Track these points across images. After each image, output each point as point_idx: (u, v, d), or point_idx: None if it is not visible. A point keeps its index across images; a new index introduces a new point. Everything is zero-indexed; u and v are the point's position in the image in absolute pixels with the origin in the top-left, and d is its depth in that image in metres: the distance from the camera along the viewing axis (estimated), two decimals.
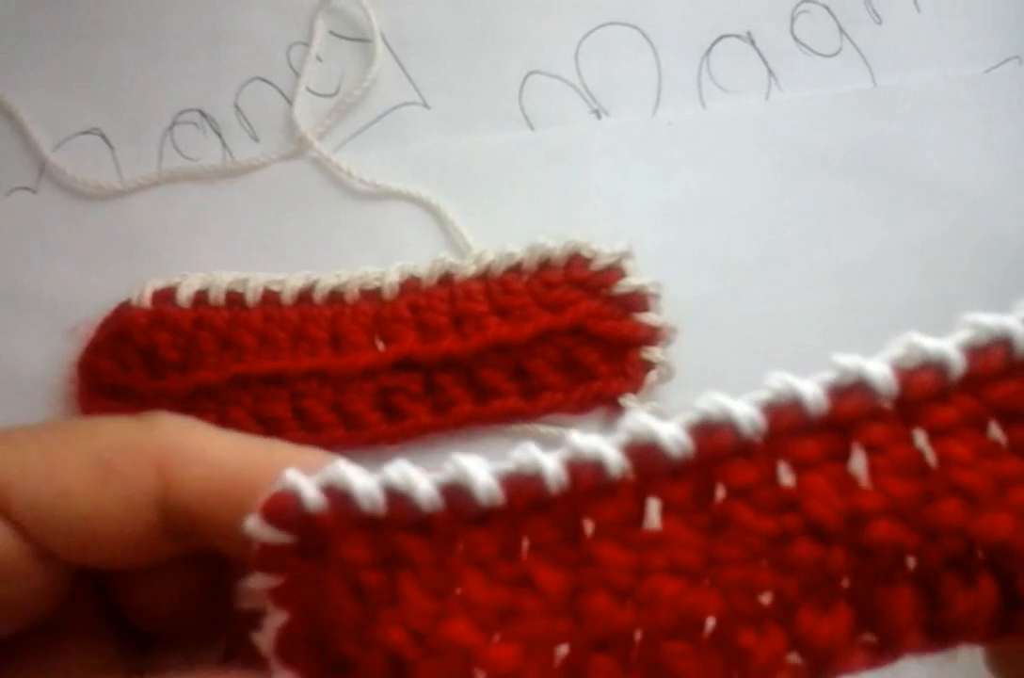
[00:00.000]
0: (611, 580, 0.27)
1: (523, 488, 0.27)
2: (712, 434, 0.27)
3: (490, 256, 0.65)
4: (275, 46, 0.70)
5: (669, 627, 0.26)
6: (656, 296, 0.65)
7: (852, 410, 0.27)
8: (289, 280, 0.65)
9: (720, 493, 0.27)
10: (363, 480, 0.27)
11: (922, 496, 0.26)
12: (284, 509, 0.27)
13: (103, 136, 0.70)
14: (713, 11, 0.70)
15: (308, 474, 0.27)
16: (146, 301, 0.65)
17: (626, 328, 0.64)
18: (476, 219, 0.67)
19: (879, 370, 0.27)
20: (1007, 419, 0.27)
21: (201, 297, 0.65)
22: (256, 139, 0.70)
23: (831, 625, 0.26)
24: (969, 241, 0.68)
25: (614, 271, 0.64)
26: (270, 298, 0.65)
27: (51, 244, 0.68)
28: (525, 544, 0.27)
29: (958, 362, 0.27)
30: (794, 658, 0.27)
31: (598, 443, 0.27)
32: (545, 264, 0.65)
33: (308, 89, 0.70)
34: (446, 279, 0.65)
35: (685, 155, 0.68)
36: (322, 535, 0.27)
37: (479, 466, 0.27)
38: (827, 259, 0.68)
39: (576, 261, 0.64)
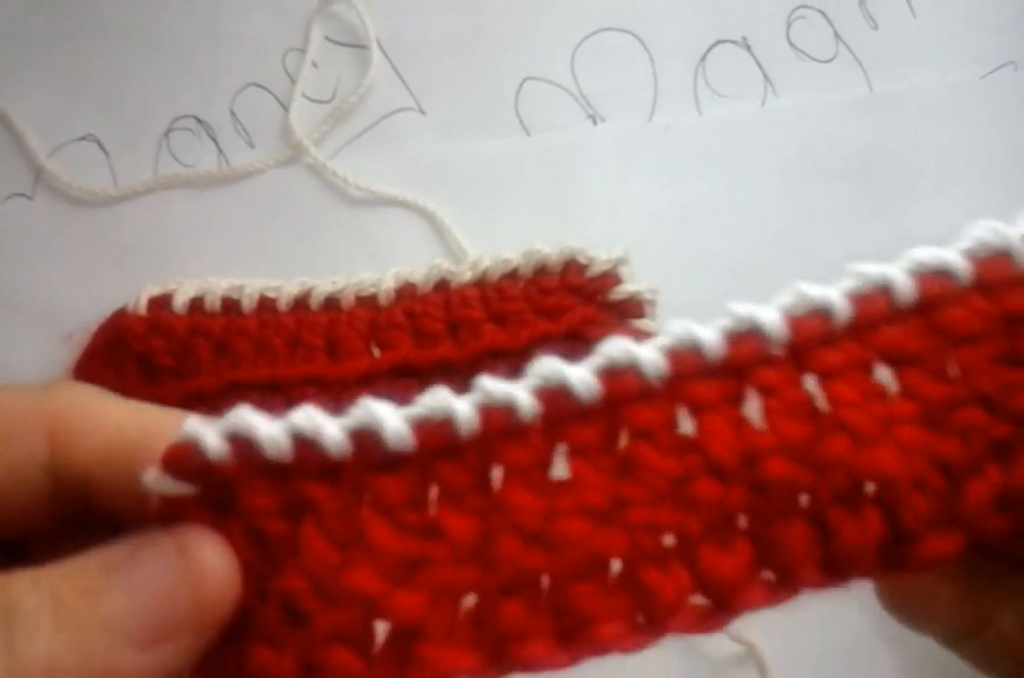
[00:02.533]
0: (520, 524, 0.27)
1: (433, 432, 0.27)
2: (617, 377, 0.27)
3: (486, 262, 0.65)
4: (271, 52, 0.70)
5: (576, 569, 0.27)
6: (652, 302, 0.64)
7: (746, 354, 0.28)
8: (285, 286, 0.65)
9: (625, 436, 0.27)
10: (268, 426, 0.26)
11: (812, 436, 0.27)
12: (185, 458, 0.26)
13: (99, 142, 0.70)
14: (709, 16, 0.70)
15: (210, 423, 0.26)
16: (142, 308, 0.65)
17: (622, 334, 0.64)
18: (472, 225, 0.67)
19: (769, 316, 0.28)
20: (894, 363, 0.28)
21: (197, 304, 0.65)
22: (252, 145, 0.70)
23: (731, 561, 0.27)
24: None
25: (610, 277, 0.64)
26: (266, 304, 0.65)
27: (47, 250, 0.68)
28: (434, 491, 0.27)
29: (843, 308, 0.28)
30: (698, 600, 0.27)
31: (509, 387, 0.27)
32: (541, 270, 0.65)
33: (304, 95, 0.70)
34: (442, 285, 0.65)
35: (681, 161, 0.68)
36: (225, 485, 0.26)
37: (389, 410, 0.27)
38: (823, 264, 0.67)
39: (572, 267, 0.64)
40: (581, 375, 0.27)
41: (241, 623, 0.26)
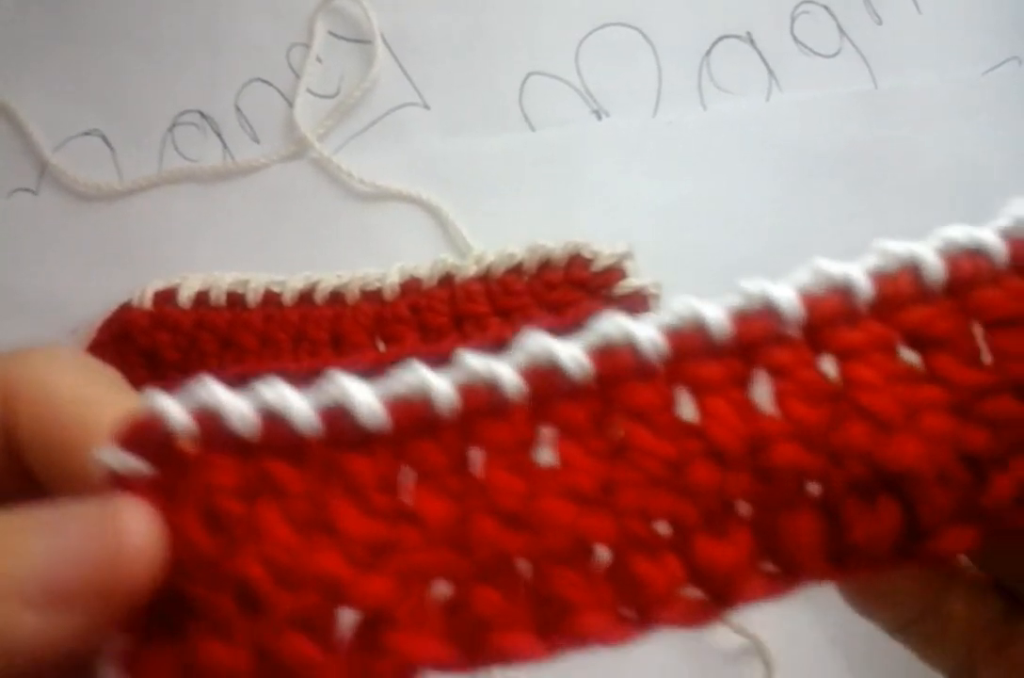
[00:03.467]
0: (499, 506, 0.25)
1: (410, 411, 0.25)
2: (612, 356, 0.26)
3: (491, 257, 0.65)
4: (275, 47, 0.70)
5: (560, 554, 0.25)
6: (657, 297, 0.65)
7: (756, 334, 0.26)
8: (290, 281, 0.65)
9: (619, 416, 0.26)
10: (235, 400, 0.25)
11: (828, 420, 0.25)
12: (145, 432, 0.25)
13: (104, 137, 0.70)
14: (713, 12, 0.70)
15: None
16: (147, 302, 0.65)
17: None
18: (476, 220, 0.67)
19: (784, 294, 0.26)
20: (922, 345, 0.26)
21: (202, 298, 0.65)
22: (256, 140, 0.70)
23: (730, 551, 0.25)
24: None
25: (615, 272, 0.64)
26: (271, 299, 0.65)
27: (52, 245, 0.68)
28: (408, 473, 0.25)
29: (865, 286, 0.26)
30: (693, 593, 0.25)
31: (493, 364, 0.25)
32: (546, 265, 0.65)
33: (308, 90, 0.70)
34: (447, 280, 0.65)
35: (685, 156, 0.68)
36: (182, 464, 0.25)
37: (362, 386, 0.25)
38: (826, 257, 0.67)
39: (577, 262, 0.65)
40: (572, 353, 0.25)
41: (188, 616, 0.24)
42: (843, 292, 0.26)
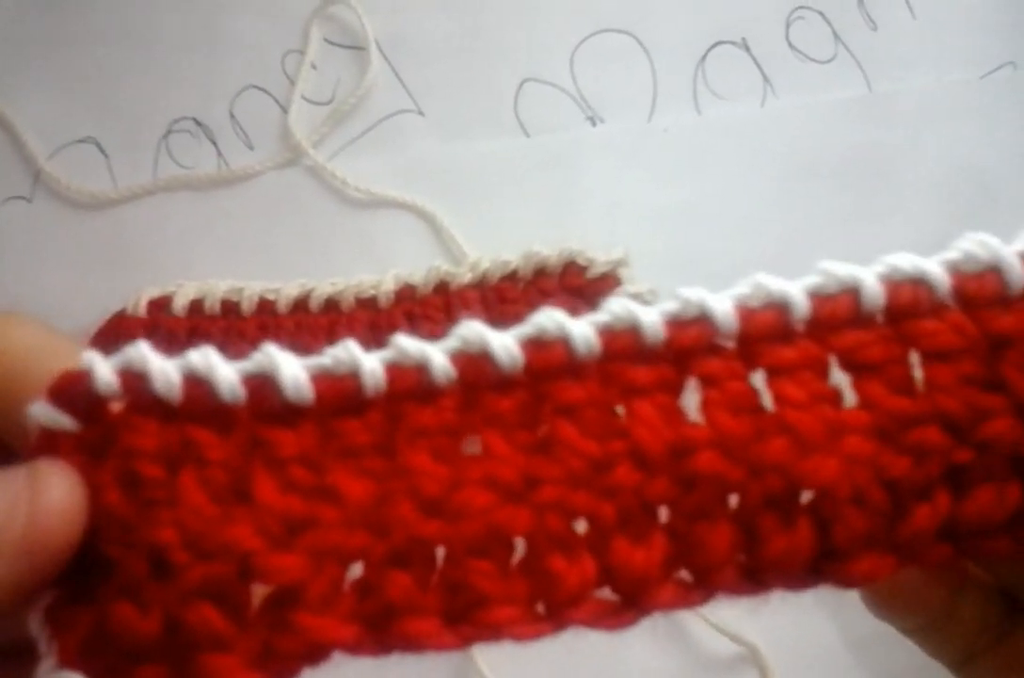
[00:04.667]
0: (418, 490, 0.25)
1: (336, 386, 0.25)
2: (545, 349, 0.26)
3: (485, 264, 0.65)
4: (270, 54, 0.70)
5: (475, 544, 0.25)
6: (652, 304, 0.64)
7: (689, 341, 0.26)
8: (285, 289, 0.65)
9: (547, 411, 0.26)
10: (161, 362, 0.25)
11: (752, 433, 0.25)
12: (72, 388, 0.25)
13: (98, 145, 0.70)
14: (708, 17, 0.70)
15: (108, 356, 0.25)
16: (142, 310, 0.65)
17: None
18: (471, 227, 0.67)
19: (720, 304, 0.26)
20: (854, 369, 0.26)
21: (197, 306, 0.65)
22: (251, 147, 0.70)
23: (644, 555, 0.25)
24: None
25: (610, 279, 0.64)
26: (266, 307, 0.65)
27: (46, 253, 0.68)
28: (331, 449, 0.25)
29: (802, 304, 0.26)
30: (607, 594, 0.26)
31: (424, 346, 0.25)
32: (541, 272, 0.65)
33: (303, 97, 0.70)
34: (442, 287, 0.65)
35: (681, 162, 0.68)
36: (108, 424, 0.25)
37: (290, 358, 0.25)
38: (826, 261, 0.67)
39: (572, 269, 0.64)
40: (504, 342, 0.25)
41: (105, 576, 0.25)
42: (780, 308, 0.26)
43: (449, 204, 0.67)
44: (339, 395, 0.25)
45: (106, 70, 0.70)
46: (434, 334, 0.65)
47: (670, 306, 0.26)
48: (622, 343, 0.26)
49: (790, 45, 0.69)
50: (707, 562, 0.26)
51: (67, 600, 0.25)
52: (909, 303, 0.26)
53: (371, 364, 0.25)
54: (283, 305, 0.65)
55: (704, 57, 0.69)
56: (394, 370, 0.25)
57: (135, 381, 0.25)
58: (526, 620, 0.25)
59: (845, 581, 0.26)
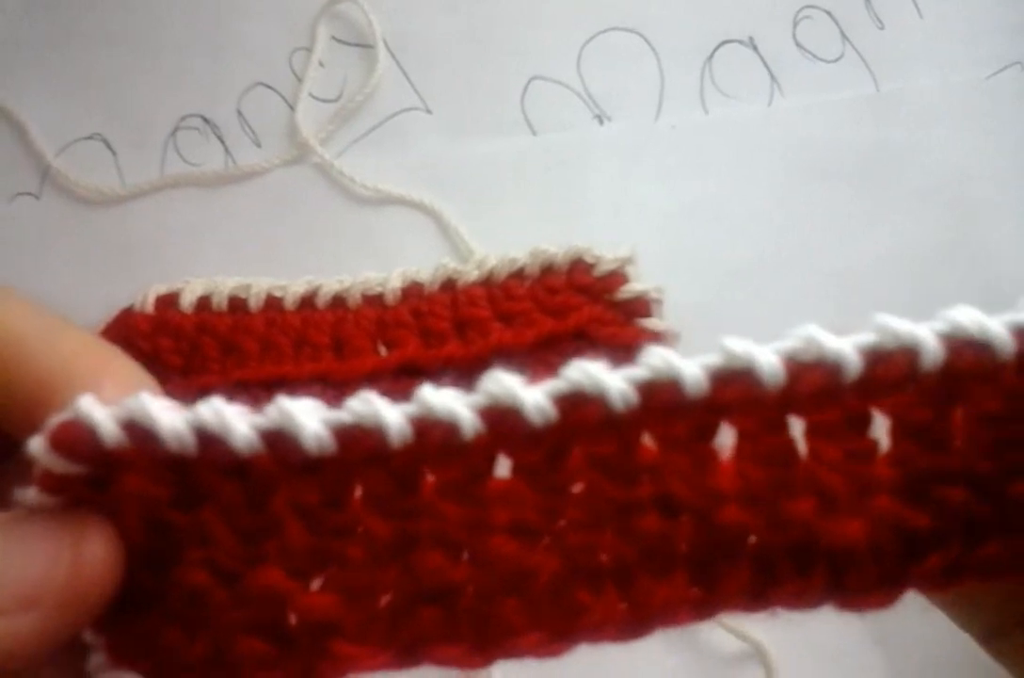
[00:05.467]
0: (448, 536, 0.26)
1: (361, 440, 0.25)
2: (579, 407, 0.25)
3: (492, 261, 0.65)
4: (277, 51, 0.70)
5: (503, 586, 0.26)
6: (659, 301, 0.64)
7: (731, 397, 0.25)
8: (292, 285, 0.65)
9: (575, 458, 0.26)
10: (170, 419, 0.24)
11: (781, 486, 0.26)
12: (75, 440, 0.24)
13: (106, 141, 0.70)
14: (715, 16, 0.70)
15: (107, 402, 0.25)
16: (149, 306, 0.65)
17: (629, 334, 0.64)
18: (478, 224, 0.67)
19: (767, 359, 0.25)
20: (898, 425, 0.26)
21: (204, 302, 0.65)
22: (258, 144, 0.70)
23: (667, 590, 0.26)
24: (971, 246, 0.68)
25: (617, 276, 0.64)
26: (273, 303, 0.65)
27: (54, 249, 0.68)
28: (356, 493, 0.26)
29: (855, 365, 0.25)
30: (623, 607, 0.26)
31: (453, 404, 0.25)
32: (548, 269, 0.65)
33: (310, 94, 0.70)
34: (449, 284, 0.65)
35: (687, 161, 0.68)
36: (117, 466, 0.25)
37: (309, 414, 0.25)
38: (829, 264, 0.68)
39: (579, 266, 0.64)
40: (537, 400, 0.25)
41: (147, 597, 0.26)
42: (831, 368, 0.25)
43: (456, 202, 0.68)
44: (363, 449, 0.25)
45: (114, 67, 0.70)
46: (439, 328, 0.65)
47: (714, 360, 0.25)
48: (661, 397, 0.25)
49: (797, 44, 0.70)
50: (722, 595, 0.26)
51: (115, 633, 0.26)
52: (969, 366, 0.25)
53: (396, 421, 0.25)
54: (290, 302, 0.65)
55: (711, 56, 0.69)
56: (420, 425, 0.25)
57: (143, 437, 0.24)
58: (549, 643, 0.26)
59: (849, 610, 0.27)
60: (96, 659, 0.26)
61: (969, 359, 0.25)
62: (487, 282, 0.65)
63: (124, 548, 0.25)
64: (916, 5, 0.70)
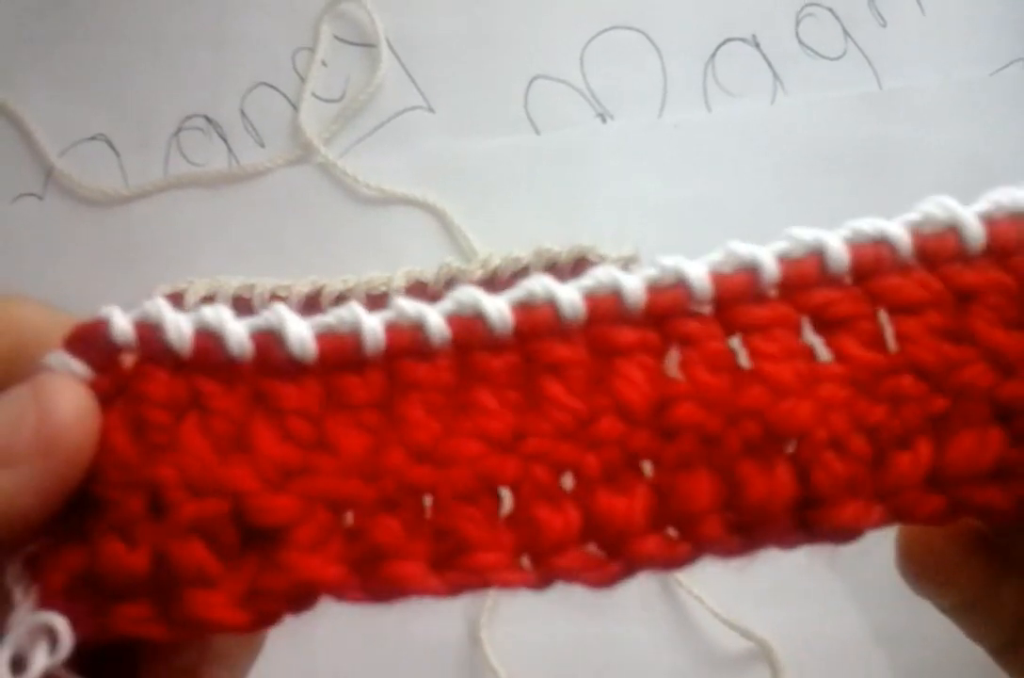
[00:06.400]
0: (411, 440, 0.26)
1: (338, 344, 0.27)
2: (533, 311, 0.27)
3: (496, 260, 0.65)
4: (280, 51, 0.71)
5: (463, 490, 0.26)
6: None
7: (667, 304, 0.27)
8: (296, 285, 0.65)
9: (535, 370, 0.27)
10: (175, 315, 0.27)
11: (729, 386, 0.27)
12: (89, 337, 0.26)
13: (109, 142, 0.70)
14: (718, 15, 0.70)
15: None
16: None
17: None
18: (482, 223, 0.67)
19: (695, 269, 0.28)
20: (826, 327, 0.28)
21: (208, 303, 0.65)
22: (262, 144, 0.70)
23: (626, 504, 0.26)
24: None
25: None
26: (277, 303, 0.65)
27: (57, 250, 0.68)
28: (331, 403, 0.27)
29: (771, 267, 0.28)
30: (592, 549, 0.27)
31: (422, 307, 0.27)
32: (551, 268, 0.65)
33: (313, 94, 0.70)
34: (452, 284, 0.65)
35: (690, 158, 0.68)
36: (120, 375, 0.27)
37: (296, 317, 0.27)
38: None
39: (582, 265, 0.64)
40: (497, 305, 0.27)
41: (96, 521, 0.26)
42: (750, 271, 0.28)
43: (459, 201, 0.68)
44: (340, 352, 0.27)
45: (117, 67, 0.70)
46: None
47: (650, 272, 0.28)
48: (605, 307, 0.27)
49: (800, 42, 0.69)
50: (689, 511, 0.26)
51: (48, 548, 0.26)
52: (872, 262, 0.28)
53: (371, 323, 0.27)
54: (294, 302, 0.65)
55: (714, 54, 0.69)
56: (393, 329, 0.27)
57: (149, 332, 0.26)
58: (511, 567, 0.26)
59: (833, 532, 0.26)
60: (22, 608, 0.25)
61: (870, 255, 0.28)
62: (491, 281, 0.65)
63: (96, 406, 0.26)
64: (919, 2, 0.70)
